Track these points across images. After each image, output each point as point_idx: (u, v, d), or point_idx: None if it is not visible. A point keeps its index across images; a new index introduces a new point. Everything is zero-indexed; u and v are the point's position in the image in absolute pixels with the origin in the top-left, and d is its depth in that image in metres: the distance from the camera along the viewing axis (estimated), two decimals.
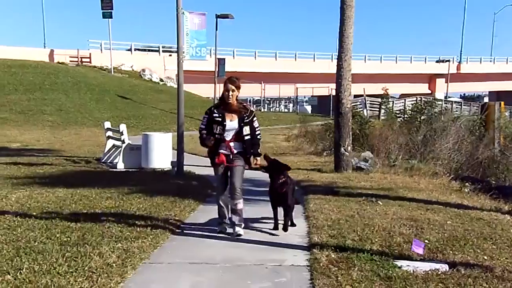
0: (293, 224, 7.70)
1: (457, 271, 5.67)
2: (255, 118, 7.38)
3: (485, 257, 6.25)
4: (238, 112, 7.19)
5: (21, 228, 7.22)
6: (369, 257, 6.04)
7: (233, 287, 5.32)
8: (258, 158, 7.41)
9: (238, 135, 7.21)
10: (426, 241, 6.66)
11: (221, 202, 7.48)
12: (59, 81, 39.02)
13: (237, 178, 7.17)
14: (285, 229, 7.43)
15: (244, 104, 7.46)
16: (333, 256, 6.08)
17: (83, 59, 50.64)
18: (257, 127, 7.39)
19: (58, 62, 48.14)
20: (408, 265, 5.78)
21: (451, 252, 6.41)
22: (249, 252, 6.48)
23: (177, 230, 7.61)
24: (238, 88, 7.18)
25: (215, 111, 7.20)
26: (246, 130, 7.16)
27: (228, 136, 7.19)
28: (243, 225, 7.34)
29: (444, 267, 5.78)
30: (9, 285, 5.13)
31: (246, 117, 7.24)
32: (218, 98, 7.38)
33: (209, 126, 7.23)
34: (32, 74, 38.84)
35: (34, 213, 8.15)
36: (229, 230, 7.44)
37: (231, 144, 7.21)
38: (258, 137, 7.49)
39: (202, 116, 7.44)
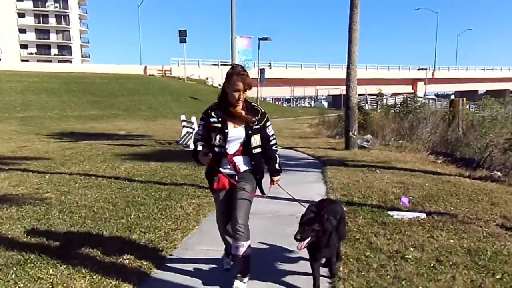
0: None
1: (432, 217, 5.71)
2: (268, 123, 3.85)
3: (451, 208, 6.26)
4: (245, 117, 3.71)
5: (128, 188, 7.47)
6: (369, 209, 6.06)
7: (273, 230, 5.35)
8: (277, 178, 3.94)
9: (246, 147, 3.76)
10: (411, 197, 6.64)
11: (226, 238, 4.04)
12: (150, 88, 39.95)
13: (241, 210, 3.70)
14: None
15: (254, 104, 3.87)
16: (344, 208, 6.10)
17: (166, 72, 51.70)
18: (272, 135, 3.87)
19: (150, 75, 49.37)
20: (397, 214, 5.80)
21: (428, 205, 6.41)
22: (284, 207, 6.40)
23: None
24: (250, 87, 3.69)
25: (213, 114, 3.69)
26: (256, 140, 3.72)
27: (232, 148, 3.71)
28: (247, 279, 3.71)
29: (423, 215, 5.81)
30: (124, 226, 5.35)
31: (256, 122, 3.74)
32: (218, 96, 3.87)
33: (207, 134, 3.76)
34: (132, 83, 40.02)
35: (136, 178, 8.35)
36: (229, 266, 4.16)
37: (236, 159, 3.75)
38: (274, 147, 3.90)
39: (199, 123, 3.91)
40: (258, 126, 3.71)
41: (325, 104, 66.64)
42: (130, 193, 7.13)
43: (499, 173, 9.91)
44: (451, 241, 4.78)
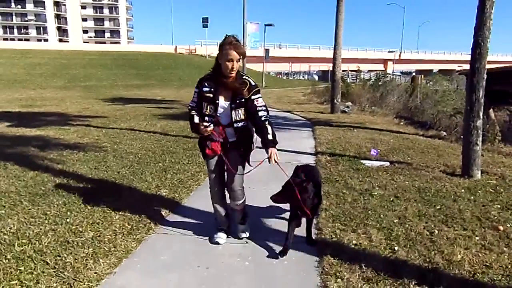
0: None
1: (394, 165, 5.66)
2: (257, 96, 2.91)
3: (408, 158, 6.20)
4: (236, 89, 2.89)
5: (163, 140, 7.44)
6: (347, 158, 6.02)
7: (272, 174, 5.29)
8: (271, 150, 2.89)
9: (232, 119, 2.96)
10: (379, 150, 6.60)
11: (217, 206, 3.22)
12: (179, 63, 39.15)
13: (236, 179, 3.07)
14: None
15: (245, 76, 2.96)
16: (328, 158, 6.08)
17: (192, 51, 50.11)
18: (260, 107, 2.91)
19: (179, 53, 48.01)
20: (368, 163, 5.77)
21: (391, 156, 6.36)
22: (283, 156, 6.37)
23: None
24: (244, 57, 2.87)
25: (206, 84, 2.97)
26: (239, 114, 2.91)
27: (223, 119, 2.96)
28: (247, 224, 3.30)
29: (387, 164, 5.76)
30: (160, 168, 5.36)
31: (243, 95, 2.88)
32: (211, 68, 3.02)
33: (200, 104, 3.00)
34: (165, 60, 39.27)
35: (169, 133, 8.31)
36: (221, 241, 3.17)
37: (227, 131, 2.99)
38: (264, 118, 2.90)
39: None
40: (243, 100, 2.85)
41: (316, 77, 65.37)
42: (164, 144, 7.13)
43: (444, 133, 9.80)
44: (406, 182, 4.80)
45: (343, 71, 16.01)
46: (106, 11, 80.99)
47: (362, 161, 5.88)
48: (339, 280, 2.55)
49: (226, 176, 3.13)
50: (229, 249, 3.09)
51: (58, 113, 12.04)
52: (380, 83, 17.96)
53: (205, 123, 2.90)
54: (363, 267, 2.71)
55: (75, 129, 8.66)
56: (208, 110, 2.91)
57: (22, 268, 2.61)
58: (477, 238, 3.23)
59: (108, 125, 9.37)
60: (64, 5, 75.79)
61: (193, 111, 3.00)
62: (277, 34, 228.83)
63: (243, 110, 2.89)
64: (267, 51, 36.43)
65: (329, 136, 8.11)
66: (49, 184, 4.48)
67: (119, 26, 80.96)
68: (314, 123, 10.62)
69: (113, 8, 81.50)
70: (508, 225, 3.49)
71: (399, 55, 71.25)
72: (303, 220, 3.10)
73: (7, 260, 2.71)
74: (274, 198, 3.02)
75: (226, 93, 2.88)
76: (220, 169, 3.10)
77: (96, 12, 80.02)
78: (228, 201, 3.23)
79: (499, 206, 4.00)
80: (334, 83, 12.90)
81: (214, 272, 2.73)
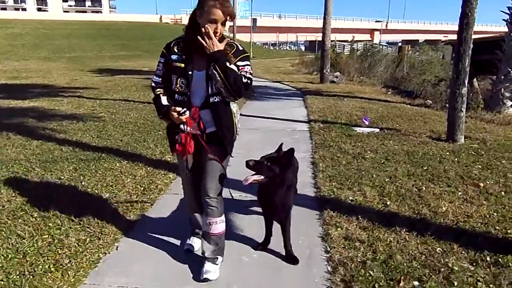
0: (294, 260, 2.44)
1: (383, 131, 5.94)
2: (244, 63, 2.08)
3: (397, 125, 6.46)
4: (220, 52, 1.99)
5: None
6: (339, 126, 6.24)
7: (270, 140, 5.44)
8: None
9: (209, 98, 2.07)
10: (369, 117, 6.80)
11: (186, 207, 2.56)
12: (165, 33, 37.57)
13: (212, 181, 2.15)
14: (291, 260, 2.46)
15: (231, 40, 2.12)
16: (321, 125, 6.27)
17: (177, 20, 49.00)
18: (247, 75, 2.06)
19: (164, 23, 46.89)
20: (359, 129, 6.01)
21: (380, 123, 6.60)
22: (278, 124, 6.65)
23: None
24: (231, 18, 2.03)
25: (175, 50, 2.11)
26: (215, 86, 2.02)
27: (197, 98, 2.08)
28: (221, 259, 2.29)
29: (377, 130, 6.03)
30: (162, 136, 5.38)
31: (229, 60, 2.01)
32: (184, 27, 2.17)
33: (168, 78, 2.12)
34: (151, 30, 38.33)
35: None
36: (192, 248, 2.52)
37: (202, 114, 2.09)
38: (244, 80, 2.02)
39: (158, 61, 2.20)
40: (229, 64, 2.03)
41: (303, 48, 64.86)
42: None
43: (430, 101, 10.17)
44: (396, 146, 5.09)
45: (332, 41, 16.06)
46: None
47: (353, 128, 6.13)
48: (339, 229, 2.85)
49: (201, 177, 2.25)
50: None
51: (46, 84, 11.88)
52: (368, 53, 18.10)
53: (177, 108, 2.06)
54: (360, 218, 3.01)
55: (68, 100, 8.65)
56: (178, 86, 2.09)
57: (50, 225, 2.82)
58: (460, 193, 3.57)
59: (101, 96, 9.37)
60: None
61: (159, 90, 2.17)
62: (264, 4, 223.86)
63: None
64: (254, 20, 35.83)
65: (320, 105, 8.29)
66: (56, 152, 4.63)
67: None
68: (304, 92, 10.76)
69: None
70: (488, 182, 3.85)
71: (386, 25, 70.76)
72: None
73: (34, 219, 2.91)
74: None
75: (200, 61, 2.06)
76: (196, 170, 2.28)
77: None
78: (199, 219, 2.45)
79: (480, 166, 4.35)
80: (324, 53, 13.00)
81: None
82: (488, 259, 2.49)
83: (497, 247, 2.62)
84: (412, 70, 15.20)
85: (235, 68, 2.04)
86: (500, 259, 2.47)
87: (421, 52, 19.00)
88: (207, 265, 2.25)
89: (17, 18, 38.76)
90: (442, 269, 2.36)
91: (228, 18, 2.01)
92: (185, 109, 2.06)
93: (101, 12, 71.19)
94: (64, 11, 64.81)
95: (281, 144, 2.41)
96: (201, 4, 2.00)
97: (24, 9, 63.22)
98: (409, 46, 19.96)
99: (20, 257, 2.40)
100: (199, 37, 2.00)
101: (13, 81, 12.96)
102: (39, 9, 65.41)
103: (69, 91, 10.21)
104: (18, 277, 2.21)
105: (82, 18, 44.42)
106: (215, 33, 1.99)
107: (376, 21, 69.25)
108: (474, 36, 5.40)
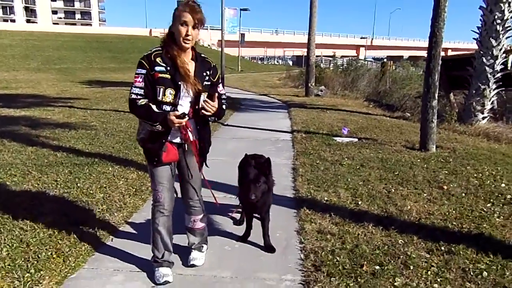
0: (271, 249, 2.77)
1: (361, 141, 6.27)
2: (219, 81, 2.35)
3: (374, 135, 6.79)
4: (198, 67, 2.21)
5: None
6: (321, 136, 6.55)
7: (255, 148, 5.70)
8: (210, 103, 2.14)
9: (195, 107, 2.20)
10: (349, 128, 7.11)
11: (159, 226, 2.32)
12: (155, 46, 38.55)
13: (196, 184, 2.42)
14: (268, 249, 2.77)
15: (205, 56, 2.32)
16: (303, 135, 6.58)
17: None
18: (223, 94, 2.35)
19: (154, 36, 47.09)
20: (339, 139, 6.32)
21: (360, 133, 6.92)
22: (263, 134, 6.95)
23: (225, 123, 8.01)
24: (201, 24, 2.12)
25: (159, 61, 2.11)
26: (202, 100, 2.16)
27: (184, 108, 2.18)
28: (206, 247, 2.63)
29: (356, 140, 6.35)
30: None
31: (207, 78, 2.24)
32: (161, 41, 2.22)
33: (152, 90, 2.10)
34: (141, 42, 38.59)
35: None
36: (170, 278, 2.32)
37: (190, 123, 2.23)
38: (224, 107, 2.33)
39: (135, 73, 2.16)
40: (209, 83, 2.24)
41: (290, 62, 65.96)
42: None
43: (408, 114, 10.66)
44: (372, 154, 5.45)
45: (317, 56, 16.64)
46: None
47: (333, 137, 6.47)
48: (313, 224, 3.16)
49: (180, 186, 2.43)
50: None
51: (37, 95, 12.08)
52: (351, 68, 18.72)
53: (177, 112, 2.09)
54: (333, 215, 3.33)
55: (59, 110, 8.87)
56: (167, 96, 2.11)
57: (50, 220, 3.06)
58: (425, 194, 3.93)
59: (92, 107, 9.61)
60: None
61: (143, 100, 2.11)
62: (252, 19, 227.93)
63: (205, 95, 2.18)
64: (242, 35, 36.54)
65: (304, 117, 8.64)
66: (50, 157, 4.86)
67: (90, 7, 77.89)
68: (289, 105, 11.15)
69: None
70: (451, 185, 4.22)
71: (371, 41, 72.60)
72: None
73: (34, 215, 3.14)
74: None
75: (186, 76, 2.15)
76: (172, 178, 2.33)
77: None
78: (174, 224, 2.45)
79: (446, 171, 4.73)
80: (309, 68, 13.49)
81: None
82: (442, 248, 2.82)
83: (452, 239, 2.96)
84: (393, 85, 15.80)
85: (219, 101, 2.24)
86: (453, 248, 2.81)
87: (403, 67, 19.74)
88: (194, 253, 2.57)
89: (6, 29, 38.65)
90: (401, 256, 2.68)
91: (197, 22, 2.10)
92: (184, 111, 2.13)
93: (90, 24, 71.55)
94: (54, 23, 64.95)
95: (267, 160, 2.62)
96: (174, 15, 2.13)
97: (13, 21, 63.03)
98: (392, 62, 20.71)
99: (24, 246, 2.64)
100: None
101: (3, 91, 13.11)
102: (28, 21, 65.34)
103: (60, 101, 10.42)
104: (23, 262, 2.45)
105: (72, 31, 44.55)
106: (187, 36, 2.09)
107: (361, 38, 71.12)
108: (451, 53, 5.86)
